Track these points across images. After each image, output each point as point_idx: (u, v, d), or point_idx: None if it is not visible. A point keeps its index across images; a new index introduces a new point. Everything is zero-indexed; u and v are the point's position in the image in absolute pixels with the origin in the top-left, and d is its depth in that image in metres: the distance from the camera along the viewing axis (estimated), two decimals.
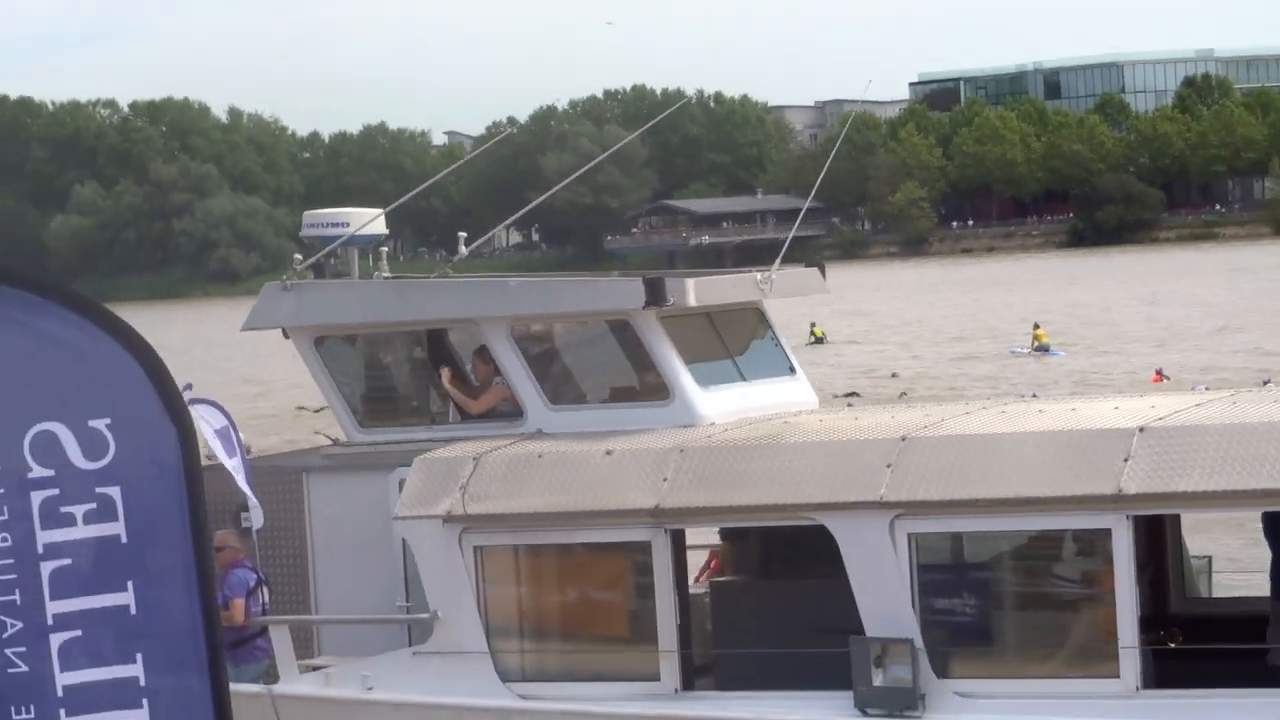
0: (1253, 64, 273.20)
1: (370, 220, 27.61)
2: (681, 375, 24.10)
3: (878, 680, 20.78)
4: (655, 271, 25.83)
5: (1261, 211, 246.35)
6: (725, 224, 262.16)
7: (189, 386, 26.12)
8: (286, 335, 26.32)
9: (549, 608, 23.64)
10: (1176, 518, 23.02)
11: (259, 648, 24.32)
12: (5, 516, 9.26)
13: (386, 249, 28.53)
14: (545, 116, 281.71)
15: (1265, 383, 69.24)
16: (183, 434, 9.43)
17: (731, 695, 22.08)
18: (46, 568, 9.26)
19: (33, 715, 9.37)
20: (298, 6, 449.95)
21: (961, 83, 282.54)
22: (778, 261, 26.29)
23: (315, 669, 24.83)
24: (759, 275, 25.80)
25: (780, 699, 21.69)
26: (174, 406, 9.46)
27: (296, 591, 24.93)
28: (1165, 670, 20.66)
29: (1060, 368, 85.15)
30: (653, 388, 24.41)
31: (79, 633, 9.24)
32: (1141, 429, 20.38)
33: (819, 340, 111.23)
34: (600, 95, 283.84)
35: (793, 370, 26.66)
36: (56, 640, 9.25)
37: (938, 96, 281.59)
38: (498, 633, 22.98)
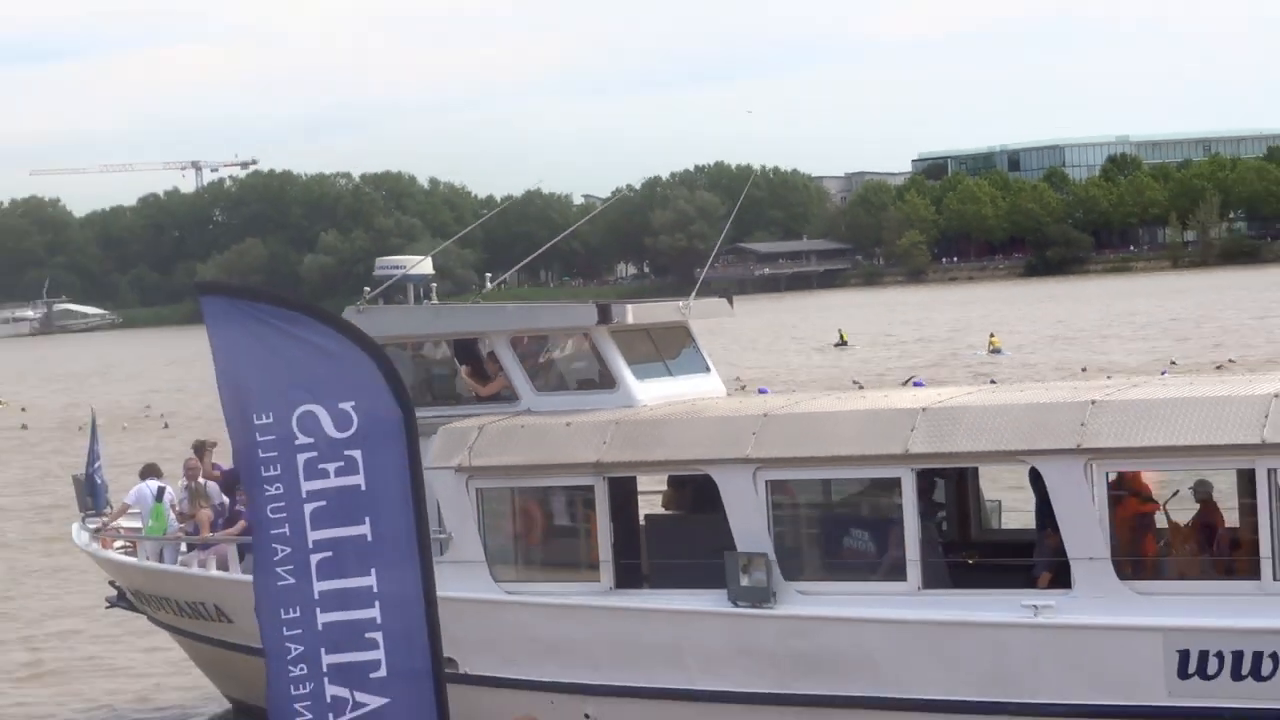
0: (1157, 146, 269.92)
1: (417, 264, 27.73)
2: (624, 371, 24.04)
3: (744, 582, 20.77)
4: (608, 300, 25.57)
5: (1163, 251, 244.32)
6: (780, 260, 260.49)
7: None
8: None
9: (527, 531, 23.53)
10: (975, 471, 22.76)
11: None
12: (278, 472, 9.82)
13: (435, 284, 28.22)
14: (653, 184, 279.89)
15: (1163, 372, 69.61)
16: (405, 413, 9.89)
17: (651, 592, 22.10)
18: (308, 508, 9.77)
19: (298, 614, 9.84)
20: (476, 109, 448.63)
21: (948, 160, 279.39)
22: (694, 293, 26.23)
23: None
24: (680, 303, 25.79)
25: (684, 594, 21.53)
26: (398, 392, 9.96)
27: None
28: (964, 578, 20.71)
29: (1006, 364, 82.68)
30: (605, 380, 24.27)
31: (330, 554, 9.77)
32: (924, 409, 20.30)
33: (843, 343, 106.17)
34: (692, 169, 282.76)
35: (707, 369, 26.20)
36: (314, 559, 9.81)
37: (931, 169, 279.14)
38: (492, 549, 22.98)
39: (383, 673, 9.70)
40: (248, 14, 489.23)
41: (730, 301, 28.28)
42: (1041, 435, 19.41)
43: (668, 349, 25.72)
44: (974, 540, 22.72)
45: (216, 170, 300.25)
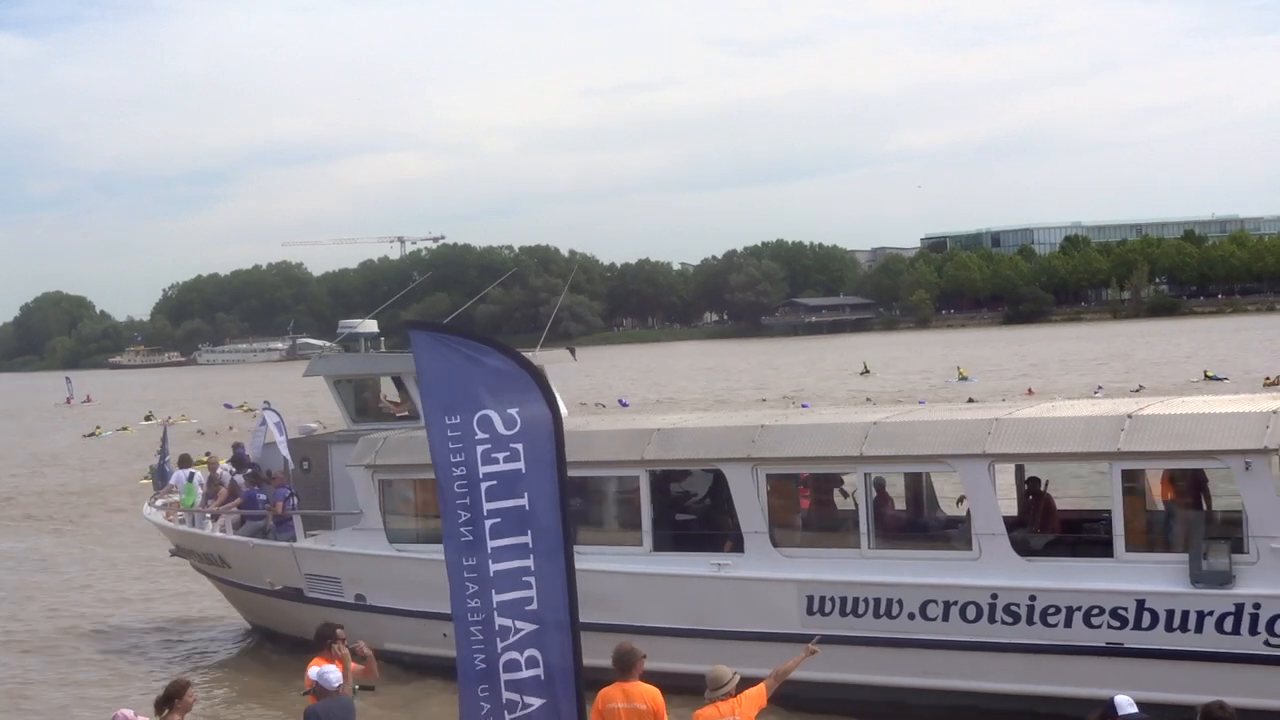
0: (1102, 229, 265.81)
1: (361, 325, 26.93)
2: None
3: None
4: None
5: (1106, 306, 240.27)
6: (823, 311, 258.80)
7: (267, 404, 27.07)
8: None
9: (410, 508, 23.21)
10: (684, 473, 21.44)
11: (290, 526, 23.78)
12: (463, 459, 9.68)
13: (383, 337, 27.13)
14: (730, 254, 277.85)
15: (1097, 389, 68.26)
16: (554, 414, 9.69)
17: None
18: (483, 485, 9.64)
19: (475, 562, 9.71)
20: (602, 199, 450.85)
21: (947, 239, 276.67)
22: (539, 345, 25.57)
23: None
24: (530, 353, 25.13)
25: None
26: (549, 399, 9.73)
27: (323, 501, 24.12)
28: (678, 543, 20.36)
29: (970, 389, 78.85)
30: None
31: (499, 520, 9.61)
32: (658, 430, 20.16)
33: (867, 372, 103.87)
34: (759, 244, 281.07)
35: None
36: (488, 523, 9.64)
37: (934, 246, 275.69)
38: (388, 521, 22.75)
39: (534, 606, 9.52)
40: (440, 130, 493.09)
41: (573, 353, 27.26)
42: (726, 449, 19.52)
43: None
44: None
45: (415, 243, 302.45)
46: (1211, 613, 16.17)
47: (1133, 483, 17.60)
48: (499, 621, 9.55)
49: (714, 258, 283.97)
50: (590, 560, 20.02)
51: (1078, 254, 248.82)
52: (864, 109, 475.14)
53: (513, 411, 9.62)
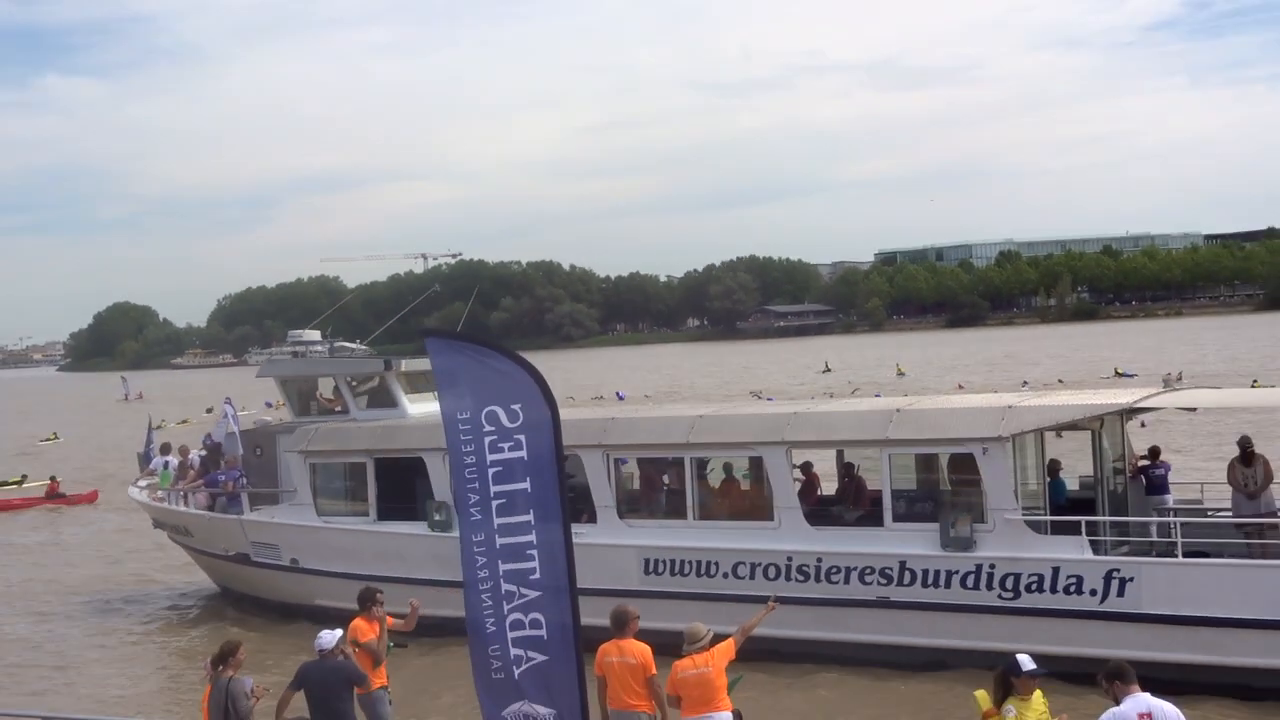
0: (1032, 244, 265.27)
1: (306, 334, 27.35)
2: (401, 397, 23.77)
3: (436, 517, 21.19)
4: (393, 356, 24.92)
5: (1035, 312, 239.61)
6: (790, 317, 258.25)
7: (228, 400, 27.74)
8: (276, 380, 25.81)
9: (336, 488, 23.33)
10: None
11: (238, 502, 24.14)
12: (473, 449, 9.42)
13: (324, 345, 27.13)
14: (710, 268, 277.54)
15: (1023, 384, 67.36)
16: (552, 411, 9.44)
17: (392, 523, 22.01)
18: (490, 471, 9.41)
19: (483, 537, 9.47)
20: (597, 220, 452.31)
21: (897, 253, 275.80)
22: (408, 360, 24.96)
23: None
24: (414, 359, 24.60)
25: (408, 524, 21.74)
26: (548, 397, 9.48)
27: (273, 481, 24.31)
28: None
29: (906, 385, 78.70)
30: (391, 402, 23.93)
31: (505, 500, 9.39)
32: (700, 415, 19.98)
33: (828, 369, 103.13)
34: (735, 259, 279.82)
35: None
36: (494, 503, 9.42)
37: (886, 259, 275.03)
38: (318, 498, 23.12)
39: (537, 576, 9.34)
40: (457, 162, 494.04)
41: None
42: (582, 437, 19.67)
43: (432, 384, 25.21)
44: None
45: (436, 259, 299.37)
46: (957, 571, 17.12)
47: (902, 464, 18.39)
48: (505, 587, 9.42)
49: (695, 271, 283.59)
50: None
51: (1010, 266, 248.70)
52: (825, 142, 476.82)
53: (516, 407, 9.44)
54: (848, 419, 18.69)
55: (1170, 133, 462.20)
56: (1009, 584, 16.81)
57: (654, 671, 10.99)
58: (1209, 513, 19.16)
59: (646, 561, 19.22)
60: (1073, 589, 16.37)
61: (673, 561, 19.04)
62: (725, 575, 18.50)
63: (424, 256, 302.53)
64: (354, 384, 24.50)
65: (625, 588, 18.52)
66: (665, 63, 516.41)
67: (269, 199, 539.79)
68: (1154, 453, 19.70)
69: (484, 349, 9.71)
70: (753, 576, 18.18)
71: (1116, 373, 77.88)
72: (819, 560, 17.99)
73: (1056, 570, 16.47)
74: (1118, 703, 8.79)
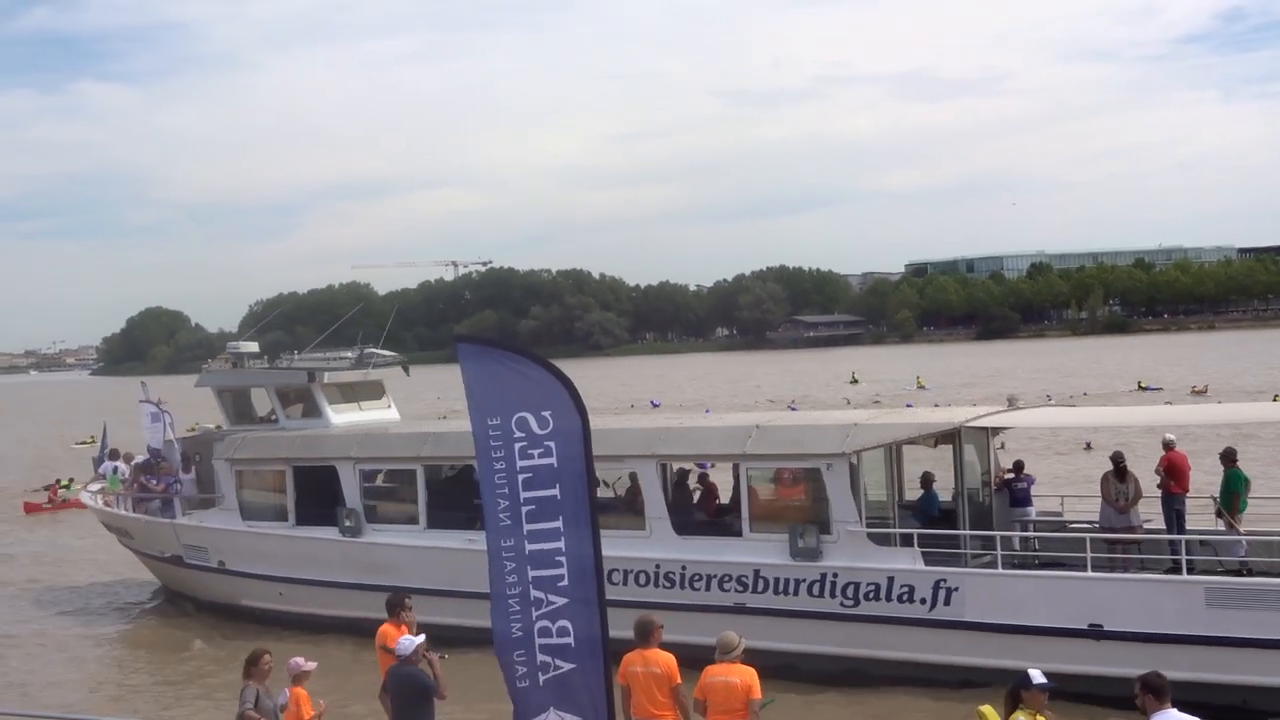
0: (1063, 256, 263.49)
1: (243, 346, 27.87)
2: (326, 408, 24.77)
3: (346, 523, 22.37)
4: (317, 369, 25.69)
5: (1065, 325, 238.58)
6: (820, 327, 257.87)
7: (159, 404, 28.79)
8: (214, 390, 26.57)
9: (260, 494, 24.29)
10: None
11: (172, 506, 25.30)
12: (503, 454, 9.37)
13: (261, 356, 27.94)
14: (740, 278, 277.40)
15: (1048, 397, 68.75)
16: (582, 417, 9.38)
17: (311, 528, 23.00)
18: (520, 477, 9.36)
19: (513, 543, 9.42)
20: (628, 229, 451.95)
21: (928, 265, 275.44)
22: (369, 368, 26.47)
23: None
24: (365, 372, 26.16)
25: (322, 529, 22.75)
26: (578, 404, 9.40)
27: (211, 487, 25.12)
28: (450, 522, 21.51)
29: (926, 396, 77.70)
30: (316, 412, 24.94)
31: (534, 506, 9.34)
32: (666, 427, 20.70)
33: (855, 381, 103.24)
34: (764, 268, 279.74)
35: (390, 406, 26.46)
36: (524, 509, 9.36)
37: (916, 271, 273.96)
38: (242, 502, 24.19)
39: (565, 583, 9.27)
40: (487, 169, 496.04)
41: (406, 369, 28.10)
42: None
43: (362, 395, 26.04)
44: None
45: (467, 266, 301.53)
46: (804, 580, 18.19)
47: (760, 478, 19.41)
48: (533, 594, 9.36)
49: (725, 280, 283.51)
50: (380, 535, 22.27)
51: (1041, 279, 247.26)
52: (854, 152, 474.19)
53: (546, 414, 9.39)
54: (711, 435, 19.76)
55: (1203, 146, 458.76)
56: (850, 592, 17.85)
57: (679, 681, 10.97)
58: (1068, 525, 20.09)
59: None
60: (905, 598, 17.42)
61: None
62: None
63: (454, 264, 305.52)
64: (285, 395, 25.45)
65: None
66: (694, 72, 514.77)
67: (299, 205, 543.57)
68: (1018, 467, 20.62)
69: (515, 356, 9.66)
70: (625, 583, 19.00)
71: (1140, 386, 78.23)
72: (683, 567, 19.05)
73: (891, 580, 17.53)
74: (1147, 717, 8.66)
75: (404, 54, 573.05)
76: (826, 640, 17.86)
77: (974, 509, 19.61)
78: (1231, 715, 14.57)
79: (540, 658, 9.37)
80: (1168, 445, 18.90)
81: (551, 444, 9.36)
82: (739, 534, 18.96)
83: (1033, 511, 20.28)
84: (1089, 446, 41.66)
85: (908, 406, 45.82)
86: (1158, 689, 8.65)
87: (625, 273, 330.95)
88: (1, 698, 19.34)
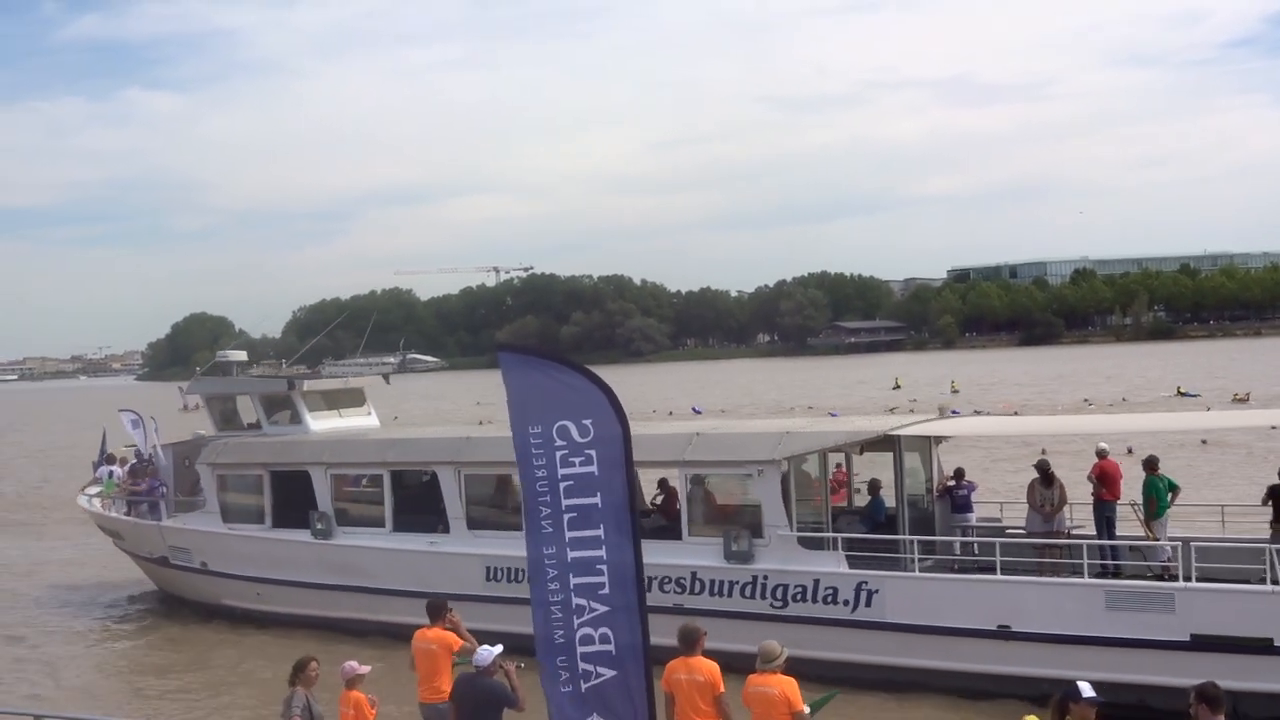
0: (1106, 263, 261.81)
1: (231, 355, 28.45)
2: (306, 414, 25.45)
3: (318, 526, 23.12)
4: (297, 376, 26.37)
5: (1110, 331, 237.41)
6: (861, 333, 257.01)
7: (135, 415, 29.45)
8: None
9: (238, 496, 24.98)
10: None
11: (159, 509, 26.12)
12: (544, 462, 9.36)
13: (250, 364, 28.63)
14: (781, 283, 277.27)
15: (1086, 402, 70.02)
16: (623, 425, 9.35)
17: (287, 530, 23.70)
18: (561, 485, 9.33)
19: (554, 550, 9.36)
20: (669, 236, 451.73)
21: (970, 270, 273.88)
22: (349, 375, 27.42)
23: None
24: (345, 380, 26.83)
25: (296, 532, 23.40)
26: (618, 411, 9.37)
27: (193, 489, 25.92)
28: (413, 525, 22.23)
29: (954, 399, 77.28)
30: (297, 419, 25.57)
31: (576, 514, 9.30)
32: (468, 438, 22.05)
33: (898, 387, 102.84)
34: (805, 274, 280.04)
35: (369, 413, 26.89)
36: (566, 517, 9.32)
37: (959, 277, 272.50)
38: (223, 505, 24.95)
39: (606, 590, 9.28)
40: (528, 176, 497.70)
41: (386, 379, 28.98)
42: (438, 454, 21.74)
43: (343, 402, 26.60)
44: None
45: (509, 272, 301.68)
46: (738, 582, 18.86)
47: (700, 484, 20.09)
48: (575, 602, 9.33)
49: (766, 286, 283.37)
50: (349, 538, 23.01)
51: (1085, 284, 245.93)
52: (897, 158, 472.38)
53: (587, 422, 9.36)
54: (656, 442, 20.41)
55: (1250, 151, 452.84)
56: (779, 594, 18.53)
57: (722, 690, 10.84)
58: (1006, 530, 20.65)
59: (488, 570, 20.92)
60: (830, 599, 18.10)
61: (508, 570, 20.65)
62: None
63: (496, 270, 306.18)
64: (271, 402, 26.22)
65: (470, 592, 20.12)
66: (736, 79, 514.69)
67: (343, 212, 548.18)
68: (959, 474, 21.17)
69: (556, 364, 9.68)
70: None
71: (1179, 392, 78.24)
72: None
73: (817, 582, 18.21)
74: None
75: (447, 62, 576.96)
76: (757, 640, 18.37)
77: (916, 514, 20.23)
78: (1132, 714, 15.07)
79: (582, 666, 9.36)
80: (1101, 454, 19.41)
81: (592, 452, 9.36)
82: (679, 537, 19.62)
83: (973, 517, 20.83)
84: (1130, 451, 42.35)
85: (831, 415, 45.88)
86: (1213, 699, 8.23)
87: (666, 279, 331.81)
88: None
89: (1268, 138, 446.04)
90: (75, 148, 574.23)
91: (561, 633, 9.40)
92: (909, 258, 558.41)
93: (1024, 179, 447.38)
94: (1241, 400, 68.15)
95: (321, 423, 25.92)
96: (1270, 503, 17.39)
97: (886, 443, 20.13)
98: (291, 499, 24.01)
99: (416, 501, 22.76)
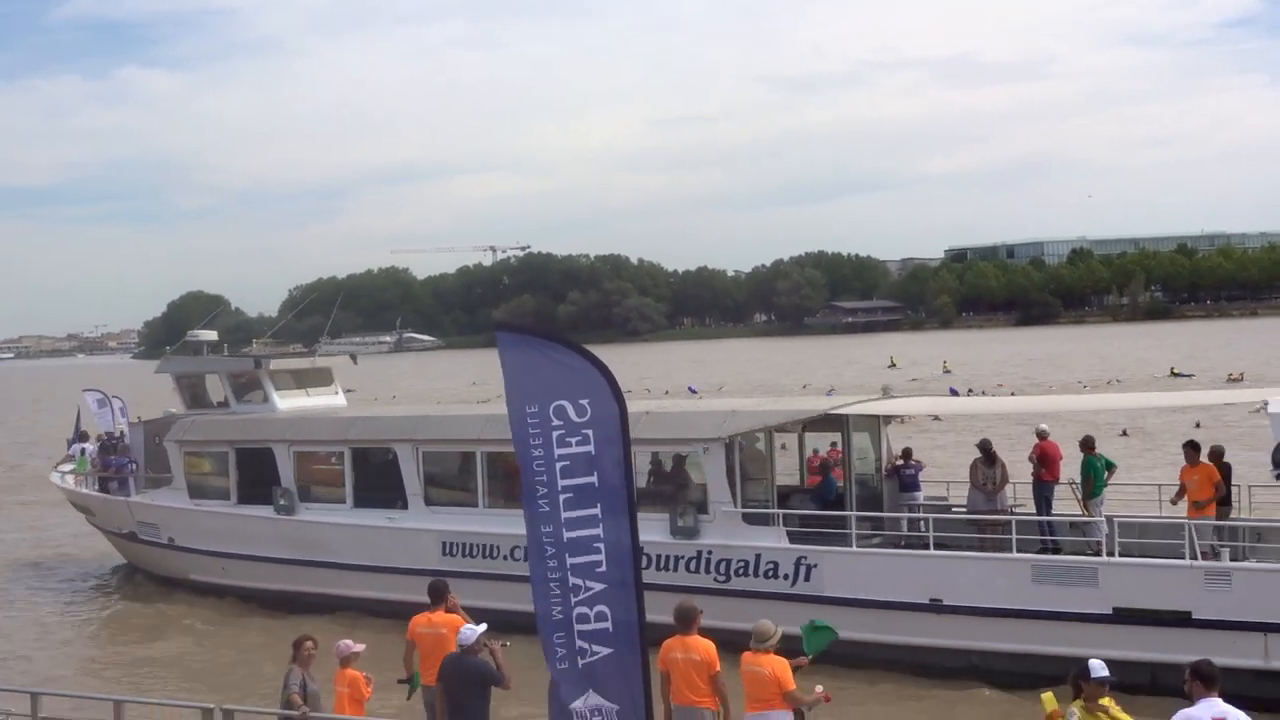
0: (1103, 242, 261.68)
1: (201, 334, 28.92)
2: (273, 393, 25.78)
3: (281, 502, 23.53)
4: (264, 355, 26.86)
5: (1106, 311, 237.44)
6: (858, 313, 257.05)
7: (101, 394, 30.05)
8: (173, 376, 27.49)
9: (206, 474, 25.36)
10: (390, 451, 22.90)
11: (128, 485, 26.69)
12: (541, 443, 9.30)
13: (224, 343, 29.06)
14: (778, 263, 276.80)
15: (1080, 384, 70.00)
16: (620, 405, 9.31)
17: (250, 506, 24.02)
18: (558, 465, 9.28)
19: (551, 529, 9.38)
20: (667, 214, 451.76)
21: (967, 250, 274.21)
22: (317, 353, 27.73)
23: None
24: (312, 359, 27.12)
25: (262, 508, 23.83)
26: (615, 391, 9.33)
27: (164, 467, 26.20)
28: (373, 501, 22.63)
29: (948, 379, 79.00)
30: (262, 399, 25.96)
31: (572, 495, 9.27)
32: (425, 416, 22.98)
33: (894, 365, 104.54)
34: (803, 254, 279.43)
35: (336, 392, 27.25)
36: (562, 497, 9.29)
37: (956, 256, 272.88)
38: (190, 482, 25.38)
39: (603, 569, 9.28)
40: (527, 155, 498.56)
41: (354, 359, 29.22)
42: (396, 432, 22.21)
43: (311, 381, 26.94)
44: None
45: (505, 251, 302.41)
46: (683, 556, 19.28)
47: (657, 462, 20.53)
48: (572, 580, 9.34)
49: (763, 266, 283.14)
50: (311, 514, 23.47)
51: (1082, 265, 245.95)
52: (895, 138, 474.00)
53: (584, 402, 9.33)
54: None
55: (1248, 131, 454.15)
56: (723, 568, 18.96)
57: (718, 668, 11.00)
58: (952, 509, 21.08)
59: (444, 544, 21.41)
60: (770, 573, 18.53)
61: (464, 545, 21.18)
62: (505, 557, 20.63)
63: (493, 249, 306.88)
64: (239, 382, 26.58)
65: (426, 567, 20.47)
66: (737, 59, 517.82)
67: (341, 190, 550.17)
68: (906, 454, 21.56)
69: (553, 344, 9.61)
70: (525, 558, 20.22)
71: (1173, 372, 78.56)
72: None
73: (758, 556, 18.65)
74: (1193, 703, 8.45)
75: (449, 40, 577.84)
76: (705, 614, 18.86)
77: (865, 493, 20.69)
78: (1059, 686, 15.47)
79: (579, 643, 9.41)
80: (1041, 435, 19.79)
81: (589, 432, 9.33)
82: None
83: (920, 496, 21.23)
84: (1125, 434, 43.43)
85: (828, 395, 46.17)
86: (1207, 676, 8.41)
87: (664, 258, 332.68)
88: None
89: (1265, 118, 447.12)
90: (73, 127, 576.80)
91: (559, 609, 9.46)
92: (907, 238, 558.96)
93: (1021, 159, 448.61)
94: (1236, 380, 68.47)
95: (289, 401, 26.23)
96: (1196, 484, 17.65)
97: (835, 422, 20.45)
98: (256, 476, 24.40)
99: (377, 478, 23.16)
